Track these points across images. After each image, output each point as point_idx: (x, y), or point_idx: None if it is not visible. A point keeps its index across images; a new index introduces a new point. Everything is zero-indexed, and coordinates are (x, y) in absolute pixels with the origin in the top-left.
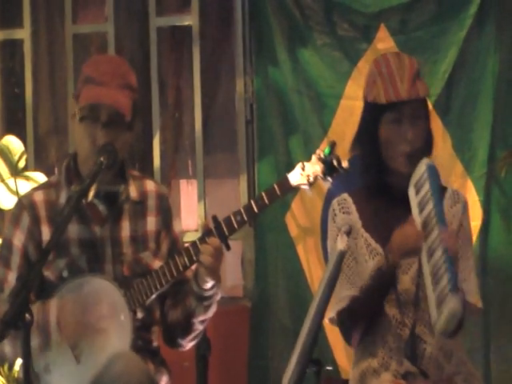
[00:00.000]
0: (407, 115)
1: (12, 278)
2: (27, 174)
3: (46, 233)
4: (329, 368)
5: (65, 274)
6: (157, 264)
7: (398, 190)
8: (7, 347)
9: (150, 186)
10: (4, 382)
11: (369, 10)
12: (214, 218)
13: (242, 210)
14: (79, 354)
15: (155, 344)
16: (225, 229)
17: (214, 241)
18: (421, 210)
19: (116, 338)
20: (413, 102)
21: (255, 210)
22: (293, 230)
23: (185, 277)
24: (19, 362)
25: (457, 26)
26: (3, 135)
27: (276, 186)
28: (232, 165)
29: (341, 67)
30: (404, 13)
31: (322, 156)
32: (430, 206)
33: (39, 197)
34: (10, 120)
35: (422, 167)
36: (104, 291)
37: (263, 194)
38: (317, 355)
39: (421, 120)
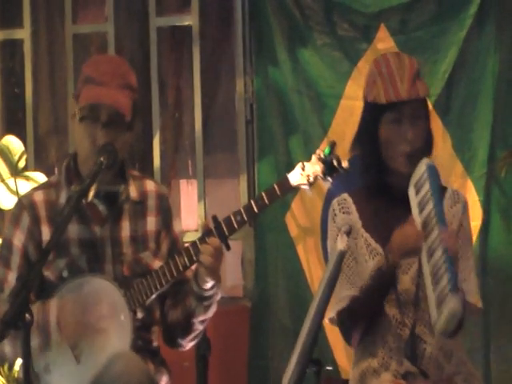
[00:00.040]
0: (407, 115)
1: (12, 278)
2: (27, 173)
3: (45, 233)
4: (329, 368)
5: (65, 274)
6: (157, 264)
7: (397, 189)
8: (7, 347)
9: (150, 185)
10: (4, 382)
11: (369, 10)
12: (214, 218)
13: (242, 210)
14: (79, 354)
15: (155, 344)
16: (225, 229)
17: (214, 241)
18: (421, 210)
19: (116, 338)
20: (413, 102)
21: (255, 209)
22: (293, 230)
23: (185, 277)
24: (19, 362)
25: (457, 26)
26: (3, 135)
27: (276, 186)
28: (232, 165)
29: (341, 67)
30: (404, 13)
31: (322, 156)
32: (429, 206)
33: (39, 197)
34: (10, 120)
35: (421, 167)
36: (104, 291)
37: (263, 193)
38: (317, 355)
39: (421, 120)
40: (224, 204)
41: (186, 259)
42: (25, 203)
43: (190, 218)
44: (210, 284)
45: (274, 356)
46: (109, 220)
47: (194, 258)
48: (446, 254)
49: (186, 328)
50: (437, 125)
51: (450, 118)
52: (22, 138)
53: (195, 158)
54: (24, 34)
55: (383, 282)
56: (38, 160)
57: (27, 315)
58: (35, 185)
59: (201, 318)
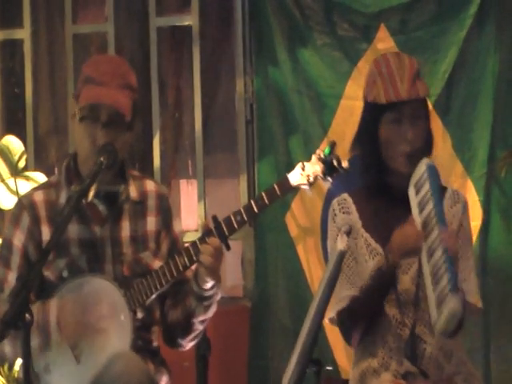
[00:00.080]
0: (407, 115)
1: (12, 277)
2: (27, 173)
3: (46, 233)
4: (329, 368)
5: (65, 274)
6: (157, 264)
7: (397, 189)
8: (7, 347)
9: (150, 185)
10: (4, 382)
11: (369, 9)
12: (214, 218)
13: (242, 210)
14: (79, 354)
15: (155, 344)
16: (225, 229)
17: (214, 241)
18: (421, 210)
19: (116, 338)
20: (413, 102)
21: (255, 209)
22: (293, 230)
23: (185, 277)
24: (19, 362)
25: (457, 26)
26: (3, 135)
27: (276, 186)
28: (232, 165)
29: (341, 67)
30: (404, 13)
31: (322, 156)
32: (430, 206)
33: (39, 197)
34: (10, 120)
35: (421, 167)
36: (104, 291)
37: (263, 193)
38: (317, 355)
39: (421, 120)
40: (224, 204)
41: (185, 259)
42: (25, 203)
43: (190, 218)
44: (209, 284)
45: (274, 356)
46: (109, 220)
47: (194, 257)
48: (446, 254)
49: (186, 328)
50: (437, 125)
51: (450, 118)
52: (22, 137)
53: (195, 158)
54: (24, 34)
55: (383, 282)
56: (38, 160)
57: (27, 315)
58: (35, 185)
59: (201, 317)
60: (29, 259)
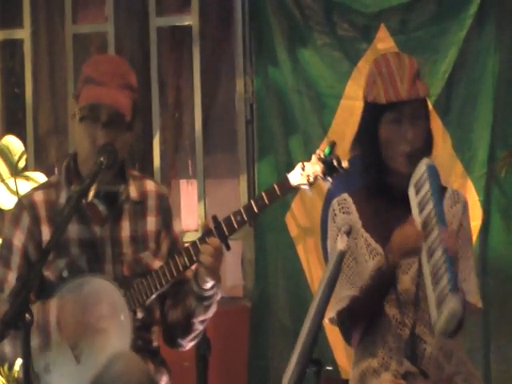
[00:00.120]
0: (407, 115)
1: (12, 277)
2: (27, 173)
3: (46, 233)
4: (329, 368)
5: (65, 273)
6: (157, 264)
7: (397, 190)
8: (7, 347)
9: (150, 186)
10: (4, 382)
11: (369, 9)
12: (214, 218)
13: (242, 210)
14: (79, 354)
15: (155, 344)
16: (225, 229)
17: (214, 241)
18: (421, 210)
19: (116, 338)
20: (413, 102)
21: (255, 210)
22: (293, 230)
23: (185, 277)
24: (19, 362)
25: (457, 26)
26: (3, 135)
27: (276, 186)
28: (232, 165)
29: (341, 67)
30: (404, 13)
31: (322, 156)
32: (430, 206)
33: (39, 197)
34: (10, 120)
35: (421, 167)
36: (104, 291)
37: (263, 194)
38: (317, 355)
39: (421, 120)
40: (224, 204)
41: (185, 259)
42: (25, 203)
43: (190, 218)
44: (209, 284)
45: (274, 356)
46: (109, 220)
47: (194, 258)
48: (446, 253)
49: (185, 328)
50: (437, 125)
51: (450, 118)
52: (22, 137)
53: (195, 158)
54: (24, 34)
55: (383, 282)
56: (38, 160)
57: (27, 315)
58: (35, 185)
59: (201, 317)
60: (29, 259)
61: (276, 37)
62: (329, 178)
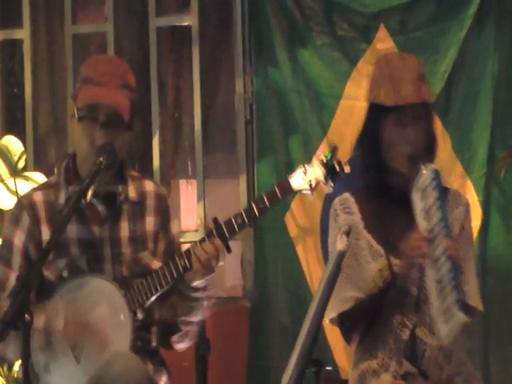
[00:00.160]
0: (410, 117)
1: (14, 277)
2: (27, 174)
3: (45, 233)
4: (328, 368)
5: (65, 274)
6: (155, 264)
7: (397, 190)
8: (8, 347)
9: (149, 186)
10: (4, 382)
11: (368, 10)
12: (215, 221)
13: (243, 213)
14: (79, 354)
15: (154, 344)
16: (225, 231)
17: (216, 242)
18: (427, 217)
19: (116, 338)
20: (416, 105)
21: (256, 213)
22: (292, 230)
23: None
24: (19, 362)
25: (456, 26)
26: (3, 135)
27: (277, 189)
28: (231, 165)
29: (340, 67)
30: (404, 13)
31: (324, 160)
32: (437, 217)
33: (39, 197)
34: (10, 120)
35: (427, 172)
36: (104, 291)
37: (264, 196)
38: (316, 355)
39: (423, 122)
40: (223, 204)
41: (186, 261)
42: (25, 203)
43: (190, 218)
44: (198, 283)
45: (274, 356)
46: (108, 220)
47: None
48: (451, 262)
49: (169, 327)
50: (436, 125)
51: (450, 118)
52: (22, 138)
53: (195, 158)
54: (23, 34)
55: (389, 287)
56: (38, 160)
57: (27, 315)
58: (35, 185)
59: (183, 317)
60: (29, 259)
61: (276, 37)
62: (331, 183)
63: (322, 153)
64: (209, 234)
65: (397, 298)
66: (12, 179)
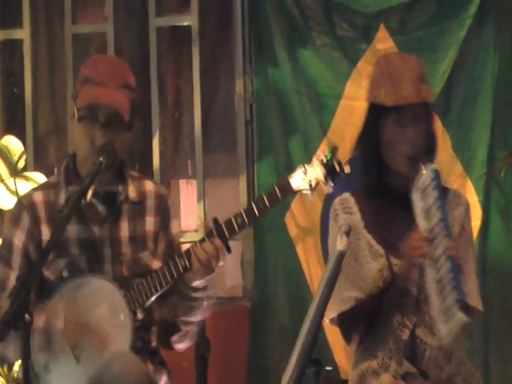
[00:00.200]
0: (410, 117)
1: (14, 277)
2: (27, 174)
3: (45, 233)
4: (328, 368)
5: (65, 273)
6: (155, 264)
7: (397, 190)
8: (8, 347)
9: (149, 186)
10: (3, 382)
11: (368, 10)
12: (215, 221)
13: (243, 213)
14: (79, 354)
15: (154, 344)
16: (225, 231)
17: (217, 242)
18: (427, 217)
19: (116, 338)
20: (416, 105)
21: (256, 213)
22: (292, 230)
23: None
24: (19, 362)
25: (456, 26)
26: (3, 135)
27: (277, 189)
28: (231, 165)
29: (340, 67)
30: (404, 13)
31: (324, 160)
32: (437, 217)
33: (39, 197)
34: (10, 120)
35: (427, 172)
36: (104, 291)
37: (264, 196)
38: (316, 355)
39: (423, 122)
40: (223, 204)
41: (186, 261)
42: (25, 203)
43: (190, 218)
44: (197, 283)
45: (274, 356)
46: (108, 220)
47: None
48: (453, 266)
49: (169, 327)
50: (436, 125)
51: (450, 118)
52: (22, 138)
53: (195, 158)
54: (23, 34)
55: (388, 290)
56: (38, 160)
57: (27, 315)
58: (35, 185)
59: (183, 317)
60: (29, 259)
61: (275, 37)
62: (331, 183)
63: (322, 153)
64: (209, 234)
65: (397, 297)
66: (12, 179)
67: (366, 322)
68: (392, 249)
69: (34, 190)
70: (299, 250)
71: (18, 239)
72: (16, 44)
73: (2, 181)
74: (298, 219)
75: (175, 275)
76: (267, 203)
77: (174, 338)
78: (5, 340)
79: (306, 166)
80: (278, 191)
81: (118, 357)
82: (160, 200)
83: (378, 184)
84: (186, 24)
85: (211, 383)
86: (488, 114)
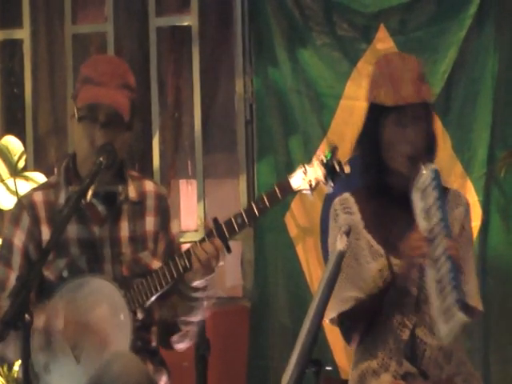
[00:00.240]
0: (410, 117)
1: (14, 277)
2: (27, 174)
3: (45, 233)
4: (328, 368)
5: (65, 273)
6: (155, 264)
7: (398, 190)
8: (8, 347)
9: (149, 186)
10: (4, 382)
11: (368, 10)
12: (215, 221)
13: (243, 213)
14: (79, 354)
15: (154, 344)
16: (225, 231)
17: (217, 241)
18: (427, 217)
19: (116, 338)
20: (416, 105)
21: (256, 213)
22: (292, 230)
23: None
24: (19, 362)
25: (456, 26)
26: (3, 135)
27: (277, 189)
28: (231, 165)
29: (340, 67)
30: (403, 13)
31: (324, 160)
32: (437, 217)
33: (39, 197)
34: (10, 120)
35: (428, 172)
36: (104, 291)
37: (264, 196)
38: (316, 355)
39: (423, 122)
40: (223, 204)
41: (186, 261)
42: (25, 203)
43: (190, 218)
44: (198, 283)
45: (274, 356)
46: (108, 220)
47: None
48: (453, 266)
49: (169, 327)
50: (436, 125)
51: (450, 118)
52: (22, 138)
53: (195, 158)
54: (23, 34)
55: (388, 289)
56: (38, 160)
57: (27, 315)
58: (35, 185)
59: (183, 317)
60: (29, 259)
61: (275, 37)
62: (331, 183)
63: (322, 153)
64: (209, 234)
65: (397, 297)
66: (12, 179)
67: (366, 321)
68: (392, 249)
69: (34, 189)
70: (299, 250)
71: (18, 239)
72: (16, 44)
73: (2, 181)
74: (298, 219)
75: (175, 275)
76: (267, 203)
77: (174, 337)
78: (5, 340)
79: (306, 165)
80: (278, 191)
81: (117, 357)
82: (160, 200)
83: (378, 184)
84: (185, 24)
85: (211, 383)
86: (488, 114)
